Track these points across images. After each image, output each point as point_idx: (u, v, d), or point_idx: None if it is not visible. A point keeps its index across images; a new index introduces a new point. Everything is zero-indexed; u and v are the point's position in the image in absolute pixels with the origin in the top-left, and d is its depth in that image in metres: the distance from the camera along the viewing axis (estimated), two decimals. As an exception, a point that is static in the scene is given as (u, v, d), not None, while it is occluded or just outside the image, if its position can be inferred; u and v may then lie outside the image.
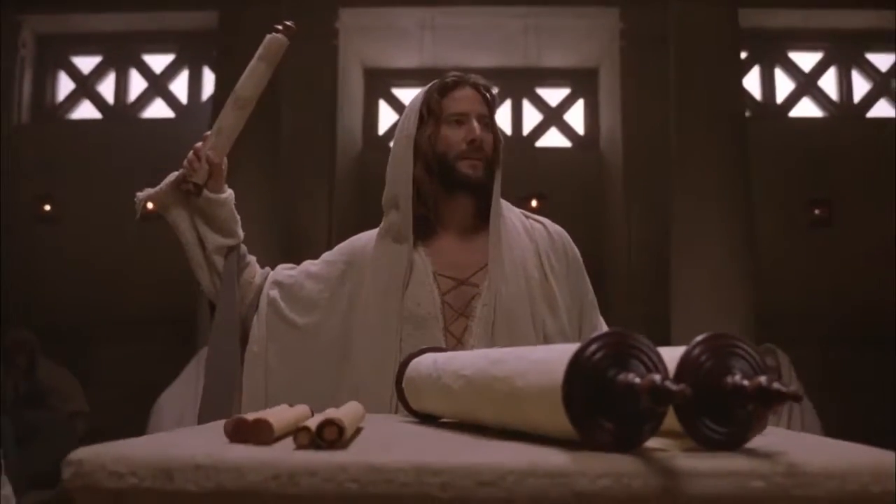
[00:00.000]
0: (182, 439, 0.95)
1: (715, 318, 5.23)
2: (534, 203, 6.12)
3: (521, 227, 1.78)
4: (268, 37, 1.81)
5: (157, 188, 1.78)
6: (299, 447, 0.84)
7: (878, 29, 7.24)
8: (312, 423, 0.85)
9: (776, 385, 0.78)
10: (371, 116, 7.93)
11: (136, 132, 7.28)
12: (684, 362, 0.83)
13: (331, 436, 0.84)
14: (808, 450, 0.87)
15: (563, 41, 7.34)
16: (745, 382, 0.81)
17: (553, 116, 7.95)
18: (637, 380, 0.78)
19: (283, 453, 0.81)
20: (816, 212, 6.59)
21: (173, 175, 1.78)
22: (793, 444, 0.90)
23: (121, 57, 7.61)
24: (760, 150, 6.46)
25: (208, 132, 1.80)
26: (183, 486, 0.79)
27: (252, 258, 1.82)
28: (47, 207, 6.79)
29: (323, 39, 6.75)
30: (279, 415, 0.95)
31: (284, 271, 1.80)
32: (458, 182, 1.70)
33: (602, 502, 0.77)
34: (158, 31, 7.44)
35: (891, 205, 6.58)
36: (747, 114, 7.18)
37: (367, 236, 1.78)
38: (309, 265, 1.81)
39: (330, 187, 6.81)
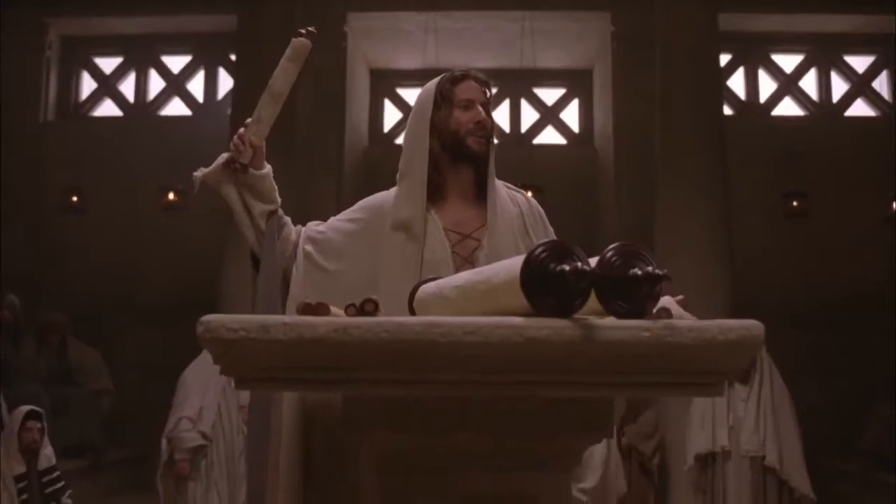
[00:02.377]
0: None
1: (696, 303, 5.62)
2: (529, 194, 6.50)
3: (507, 195, 2.22)
4: (294, 40, 2.19)
5: (210, 168, 2.16)
6: (349, 315, 1.27)
7: (855, 33, 7.68)
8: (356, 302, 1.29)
9: (656, 270, 1.22)
10: (377, 114, 8.38)
11: (155, 129, 7.72)
12: (601, 260, 1.26)
13: (369, 308, 1.27)
14: (685, 321, 1.30)
15: (558, 43, 7.74)
16: (639, 272, 1.24)
17: (549, 115, 8.38)
18: (567, 267, 1.22)
19: (340, 317, 1.25)
20: (794, 204, 6.97)
21: (222, 157, 2.16)
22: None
23: (141, 58, 8.07)
24: (744, 146, 6.85)
25: (249, 119, 2.19)
26: (276, 336, 1.23)
27: (287, 219, 2.20)
28: (75, 199, 7.19)
29: (332, 42, 7.16)
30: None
31: (315, 227, 2.20)
32: (465, 154, 2.12)
33: (544, 345, 1.21)
34: (176, 34, 7.87)
35: (865, 198, 7.00)
36: (732, 112, 7.62)
37: (383, 196, 2.20)
38: (335, 221, 2.21)
39: (338, 179, 7.25)
